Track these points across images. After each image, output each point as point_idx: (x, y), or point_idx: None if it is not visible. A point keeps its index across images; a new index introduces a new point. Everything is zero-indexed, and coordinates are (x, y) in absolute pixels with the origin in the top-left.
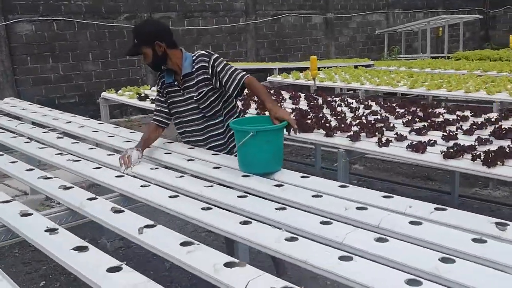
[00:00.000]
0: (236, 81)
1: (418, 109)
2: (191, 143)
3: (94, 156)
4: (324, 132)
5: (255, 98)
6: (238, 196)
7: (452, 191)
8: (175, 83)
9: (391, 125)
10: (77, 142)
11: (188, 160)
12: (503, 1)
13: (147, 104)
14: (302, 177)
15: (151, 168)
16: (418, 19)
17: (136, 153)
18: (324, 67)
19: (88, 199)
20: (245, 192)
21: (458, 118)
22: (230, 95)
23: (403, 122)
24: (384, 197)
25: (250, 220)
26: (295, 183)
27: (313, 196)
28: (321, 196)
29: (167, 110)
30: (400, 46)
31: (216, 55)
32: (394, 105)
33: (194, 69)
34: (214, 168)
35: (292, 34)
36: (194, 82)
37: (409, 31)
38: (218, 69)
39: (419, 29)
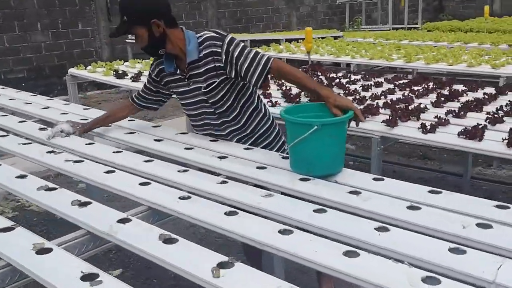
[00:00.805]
0: (260, 69)
1: (434, 86)
2: (215, 137)
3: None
4: None
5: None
6: (314, 211)
7: (465, 173)
8: (178, 71)
9: (422, 106)
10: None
11: (220, 158)
12: None
13: (126, 83)
14: (374, 179)
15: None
16: None
17: (66, 125)
18: (297, 39)
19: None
20: (315, 203)
21: (486, 96)
22: (252, 85)
23: (431, 102)
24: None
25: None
26: (372, 189)
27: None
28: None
29: (152, 98)
30: (358, 17)
31: (230, 36)
32: (405, 81)
33: (201, 55)
34: (258, 168)
35: (254, 4)
36: (201, 71)
37: (368, 1)
38: (235, 55)
39: None
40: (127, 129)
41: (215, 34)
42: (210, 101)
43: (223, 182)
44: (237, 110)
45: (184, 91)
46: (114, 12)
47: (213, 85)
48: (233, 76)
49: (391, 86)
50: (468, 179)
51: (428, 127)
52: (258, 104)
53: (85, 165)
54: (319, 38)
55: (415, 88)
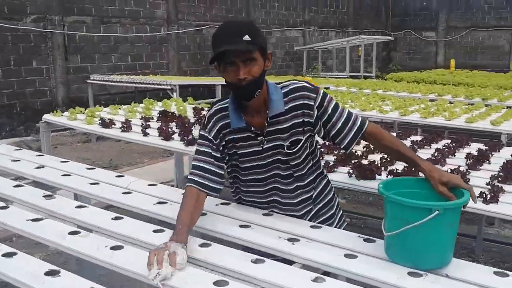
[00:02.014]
0: (354, 131)
1: (454, 144)
2: (279, 205)
3: None
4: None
5: None
6: None
7: (478, 235)
8: (251, 128)
9: (457, 168)
10: None
11: (291, 241)
12: (402, 24)
13: (115, 133)
14: (496, 273)
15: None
16: (331, 37)
17: (182, 252)
18: None
19: None
20: None
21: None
22: (342, 148)
23: (467, 164)
24: None
25: None
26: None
27: None
28: None
29: (221, 172)
30: (317, 64)
31: (323, 90)
32: (419, 138)
33: (288, 107)
34: (347, 256)
35: None
36: (285, 126)
37: (324, 49)
38: (329, 112)
39: (333, 48)
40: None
41: (306, 85)
42: (292, 163)
43: (317, 279)
44: (312, 175)
45: (254, 152)
46: (72, 50)
47: (299, 143)
48: (321, 135)
49: (407, 143)
50: (480, 241)
51: (489, 196)
52: (321, 166)
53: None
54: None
55: (435, 146)
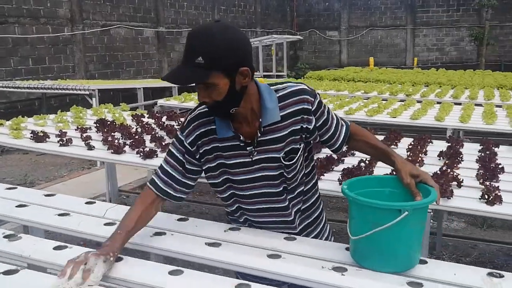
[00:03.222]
0: (343, 135)
1: (418, 142)
2: (273, 224)
3: None
4: None
5: None
6: None
7: (438, 231)
8: (241, 137)
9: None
10: None
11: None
12: (307, 24)
13: (52, 148)
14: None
15: None
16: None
17: (99, 269)
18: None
19: None
20: None
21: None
22: (334, 152)
23: (446, 163)
24: None
25: None
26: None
27: None
28: None
29: (189, 182)
30: None
31: (317, 93)
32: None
33: (284, 114)
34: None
35: (124, 48)
36: (282, 135)
37: None
38: (325, 117)
39: None
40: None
41: (305, 87)
42: (289, 175)
43: None
44: (303, 186)
45: (242, 164)
46: None
47: (297, 153)
48: (314, 141)
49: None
50: (440, 237)
51: (491, 197)
52: (315, 176)
53: None
54: None
55: (401, 145)
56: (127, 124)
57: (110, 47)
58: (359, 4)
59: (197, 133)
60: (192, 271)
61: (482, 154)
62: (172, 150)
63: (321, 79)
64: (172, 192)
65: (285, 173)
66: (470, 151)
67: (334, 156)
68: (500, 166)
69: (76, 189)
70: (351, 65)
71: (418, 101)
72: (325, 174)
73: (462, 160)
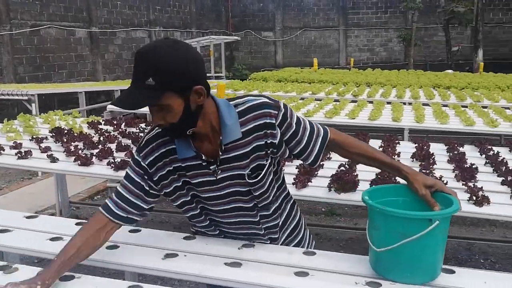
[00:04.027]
0: (319, 145)
1: (388, 144)
2: (239, 238)
3: None
4: None
5: None
6: None
7: None
8: (202, 157)
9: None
10: None
11: (300, 274)
12: (242, 25)
13: (8, 161)
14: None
15: None
16: (176, 38)
17: None
18: None
19: None
20: None
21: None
22: (308, 165)
23: (421, 165)
24: None
25: None
26: None
27: None
28: None
29: (145, 206)
30: None
31: (283, 103)
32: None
33: (246, 130)
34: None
35: (55, 49)
36: (244, 151)
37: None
38: (293, 129)
39: None
40: None
41: (266, 100)
42: (255, 193)
43: None
44: (277, 202)
45: (208, 182)
46: None
47: (263, 169)
48: (284, 155)
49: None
50: None
51: (479, 198)
52: (286, 188)
53: None
54: None
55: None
56: (86, 133)
57: (40, 48)
58: (293, 5)
59: (156, 154)
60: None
61: (451, 154)
62: (129, 173)
63: (265, 81)
64: (129, 216)
65: (252, 191)
66: (438, 151)
67: None
68: (474, 166)
69: (20, 201)
70: (286, 66)
71: (369, 102)
72: (312, 180)
73: (435, 162)
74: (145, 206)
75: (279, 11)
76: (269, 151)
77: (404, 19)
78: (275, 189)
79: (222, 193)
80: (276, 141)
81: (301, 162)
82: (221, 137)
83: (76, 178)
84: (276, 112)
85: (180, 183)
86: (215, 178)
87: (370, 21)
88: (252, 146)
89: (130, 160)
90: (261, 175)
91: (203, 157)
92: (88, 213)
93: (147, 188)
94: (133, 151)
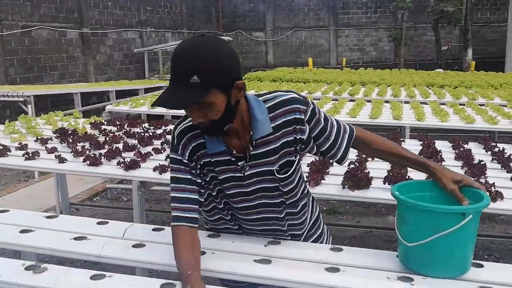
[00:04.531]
0: (346, 142)
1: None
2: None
3: None
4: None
5: None
6: None
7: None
8: (233, 151)
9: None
10: None
11: (332, 271)
12: (233, 25)
13: (15, 162)
14: None
15: None
16: (168, 38)
17: None
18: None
19: None
20: None
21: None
22: (335, 162)
23: None
24: None
25: None
26: None
27: None
28: None
29: (201, 199)
30: (157, 66)
31: (311, 101)
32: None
33: (275, 125)
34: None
35: (47, 50)
36: (274, 147)
37: (163, 50)
38: (322, 126)
39: (173, 49)
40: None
41: (295, 96)
42: (284, 189)
43: None
44: (304, 199)
45: (234, 178)
46: None
47: (292, 165)
48: (311, 152)
49: None
50: None
51: (492, 194)
52: (306, 185)
53: None
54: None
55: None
56: (91, 134)
57: (31, 50)
58: (283, 6)
59: (191, 147)
60: None
61: (457, 151)
62: (175, 175)
63: (260, 80)
64: (198, 216)
65: (280, 187)
66: (444, 148)
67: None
68: (482, 163)
69: (19, 204)
70: (277, 66)
71: (367, 101)
72: (325, 178)
73: (443, 159)
74: (201, 199)
75: (269, 12)
76: (297, 147)
77: (394, 19)
78: (303, 186)
79: (248, 189)
80: (305, 137)
81: (329, 159)
82: (251, 132)
83: (74, 179)
84: (305, 108)
85: (208, 178)
86: (242, 175)
87: (360, 21)
88: (281, 141)
89: (170, 164)
90: (291, 171)
91: (233, 152)
92: (88, 215)
93: (199, 181)
94: (170, 155)
